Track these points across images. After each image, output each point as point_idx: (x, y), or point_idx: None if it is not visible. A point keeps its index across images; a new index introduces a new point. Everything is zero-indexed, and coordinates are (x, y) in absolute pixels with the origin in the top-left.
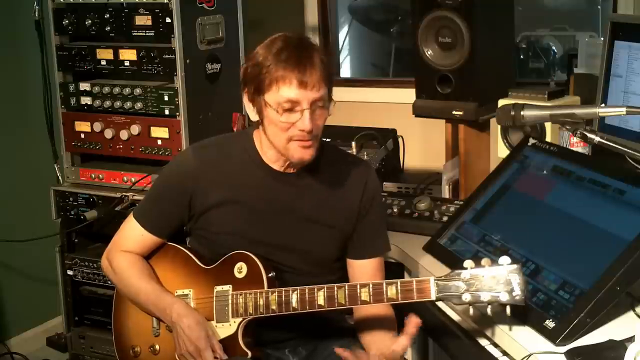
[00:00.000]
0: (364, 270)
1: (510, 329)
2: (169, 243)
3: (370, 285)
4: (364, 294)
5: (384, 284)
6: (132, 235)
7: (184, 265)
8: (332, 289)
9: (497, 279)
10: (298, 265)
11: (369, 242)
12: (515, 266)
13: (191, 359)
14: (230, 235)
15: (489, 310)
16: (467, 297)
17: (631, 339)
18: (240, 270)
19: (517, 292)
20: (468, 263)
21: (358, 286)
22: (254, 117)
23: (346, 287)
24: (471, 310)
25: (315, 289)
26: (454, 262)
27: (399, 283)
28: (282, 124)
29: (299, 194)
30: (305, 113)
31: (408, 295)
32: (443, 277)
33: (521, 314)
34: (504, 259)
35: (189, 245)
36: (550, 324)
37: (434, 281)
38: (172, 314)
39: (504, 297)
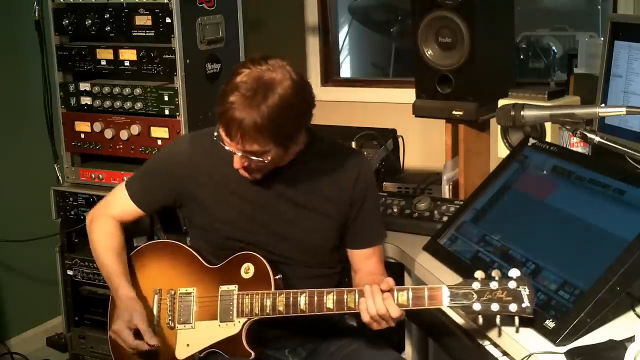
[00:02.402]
0: (362, 258)
1: (510, 329)
2: (174, 242)
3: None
4: None
5: (395, 290)
6: (120, 201)
7: (189, 264)
8: (341, 293)
9: (507, 290)
10: (293, 255)
11: (366, 232)
12: (525, 278)
13: (116, 337)
14: (224, 223)
15: (497, 320)
16: (477, 307)
17: (631, 339)
18: (247, 270)
19: (527, 303)
20: (479, 274)
21: None
22: None
23: (356, 292)
24: (480, 320)
25: (325, 292)
26: (454, 262)
27: (410, 289)
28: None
29: (290, 182)
30: (235, 155)
31: (419, 302)
32: (454, 286)
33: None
34: (514, 272)
35: (189, 237)
36: (550, 324)
37: (446, 289)
38: (115, 294)
39: (513, 308)
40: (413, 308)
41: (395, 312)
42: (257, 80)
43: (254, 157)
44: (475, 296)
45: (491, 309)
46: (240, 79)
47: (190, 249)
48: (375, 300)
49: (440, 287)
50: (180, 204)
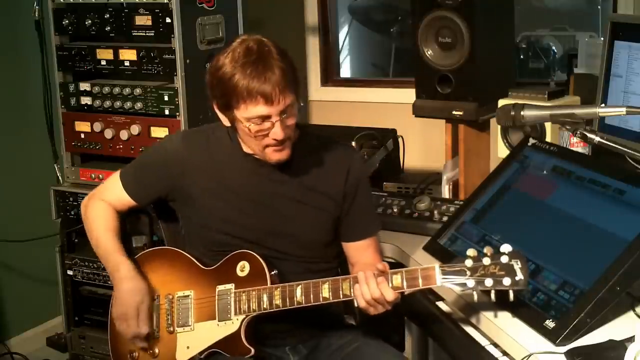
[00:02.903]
0: (359, 251)
1: (510, 329)
2: (169, 248)
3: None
4: None
5: (389, 274)
6: (114, 190)
7: (185, 268)
8: (336, 282)
9: (499, 265)
10: (290, 250)
11: (361, 223)
12: (517, 252)
13: (120, 322)
14: (222, 221)
15: (492, 295)
16: (471, 283)
17: (631, 339)
18: (243, 268)
19: (520, 276)
20: (471, 252)
21: None
22: (226, 123)
23: (351, 279)
24: (475, 296)
25: (320, 282)
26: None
27: (404, 272)
28: (255, 135)
29: (284, 179)
30: (276, 124)
31: (414, 283)
32: (447, 264)
33: (521, 314)
34: (506, 247)
35: (183, 233)
36: (550, 324)
37: (438, 268)
38: (117, 273)
39: (507, 282)
40: (408, 290)
41: (390, 296)
42: (248, 50)
43: (290, 113)
44: (468, 273)
45: (485, 284)
46: (231, 63)
47: (186, 254)
48: (370, 285)
49: (433, 267)
50: (173, 199)
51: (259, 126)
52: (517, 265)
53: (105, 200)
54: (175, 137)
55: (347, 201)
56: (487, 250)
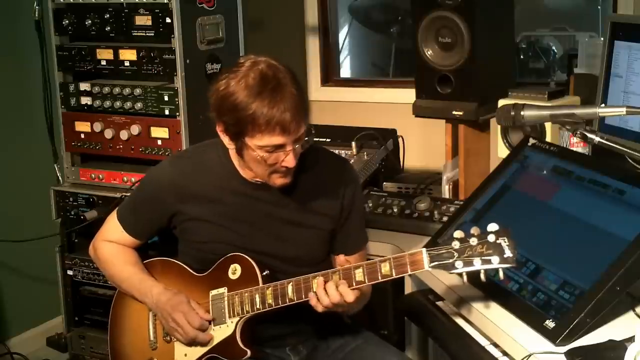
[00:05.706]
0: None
1: (510, 329)
2: (162, 258)
3: (364, 266)
4: (359, 275)
5: (378, 262)
6: (114, 231)
7: (178, 276)
8: (327, 275)
9: (487, 244)
10: (288, 270)
11: (352, 238)
12: (503, 230)
13: (179, 328)
14: (217, 243)
15: (482, 275)
16: (459, 265)
17: (631, 339)
18: (235, 271)
19: (508, 253)
20: (458, 233)
21: (352, 268)
22: (230, 147)
23: (341, 271)
24: (465, 278)
25: (310, 277)
26: None
27: (392, 259)
28: (266, 162)
29: (280, 200)
30: (290, 153)
31: (402, 270)
32: (435, 247)
33: (521, 314)
34: (492, 226)
35: (180, 251)
36: (550, 324)
37: (426, 252)
38: (152, 296)
39: (496, 261)
40: (397, 277)
41: (350, 297)
42: (263, 77)
43: (302, 142)
44: (456, 255)
45: (473, 264)
46: (246, 90)
47: (179, 262)
48: (329, 291)
49: (421, 251)
50: (174, 226)
51: (270, 154)
52: (504, 243)
53: (110, 241)
54: (163, 166)
55: (344, 216)
56: (473, 230)
